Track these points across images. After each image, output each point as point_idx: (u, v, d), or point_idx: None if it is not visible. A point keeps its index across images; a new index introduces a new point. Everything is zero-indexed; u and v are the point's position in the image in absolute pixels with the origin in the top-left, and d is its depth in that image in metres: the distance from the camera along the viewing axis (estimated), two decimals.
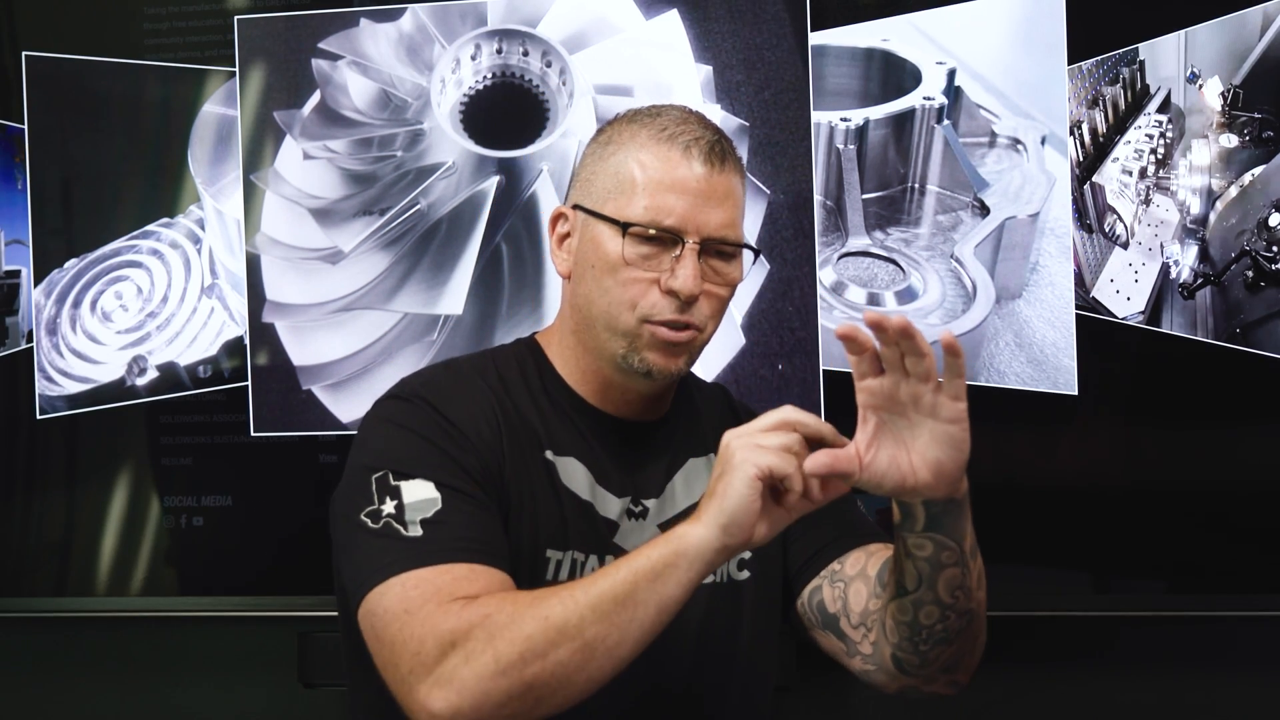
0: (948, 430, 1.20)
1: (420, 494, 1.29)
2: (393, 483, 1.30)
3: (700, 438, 1.50)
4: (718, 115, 2.11)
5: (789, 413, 1.21)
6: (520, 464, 1.38)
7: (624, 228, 1.37)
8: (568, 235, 1.44)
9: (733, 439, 1.21)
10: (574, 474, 1.41)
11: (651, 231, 1.36)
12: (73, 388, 2.30)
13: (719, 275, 1.39)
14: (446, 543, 1.26)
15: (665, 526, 1.42)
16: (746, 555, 1.46)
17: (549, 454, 1.41)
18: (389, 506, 1.29)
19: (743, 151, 2.10)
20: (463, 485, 1.31)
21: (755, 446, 1.19)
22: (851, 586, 1.43)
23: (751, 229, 2.09)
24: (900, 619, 1.35)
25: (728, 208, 1.39)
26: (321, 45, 2.23)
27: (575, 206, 1.43)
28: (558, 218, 1.45)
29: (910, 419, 1.21)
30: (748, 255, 1.42)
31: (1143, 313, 2.00)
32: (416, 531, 1.27)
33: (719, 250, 1.39)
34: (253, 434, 2.25)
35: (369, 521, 1.29)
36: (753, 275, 2.09)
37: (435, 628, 1.20)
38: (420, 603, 1.22)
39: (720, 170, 1.38)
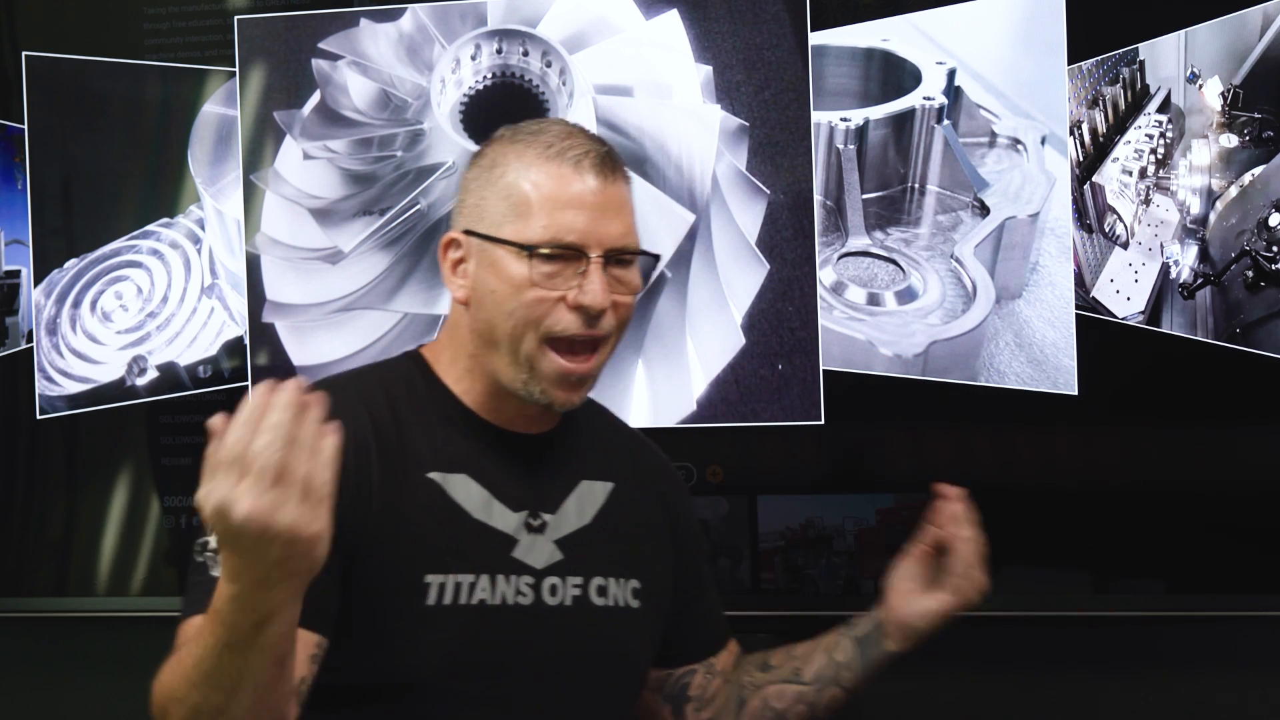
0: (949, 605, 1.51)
1: None
2: None
3: (591, 459, 1.52)
4: (718, 115, 2.11)
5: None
6: (396, 490, 1.38)
7: (529, 250, 1.37)
8: (461, 261, 1.44)
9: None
10: (465, 491, 1.41)
11: (555, 250, 1.37)
12: (73, 388, 2.30)
13: (622, 284, 1.42)
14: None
15: (562, 543, 1.45)
16: (638, 586, 1.50)
17: (434, 475, 1.41)
18: (214, 540, 1.32)
19: (743, 151, 2.10)
20: None
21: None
22: (720, 684, 1.60)
23: (751, 229, 2.09)
24: (775, 705, 1.56)
25: (624, 217, 1.41)
26: (321, 45, 2.23)
27: (467, 232, 1.43)
28: (449, 244, 1.45)
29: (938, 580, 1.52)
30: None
31: (1143, 313, 2.00)
32: (217, 573, 1.29)
33: (619, 259, 1.41)
34: None
35: (196, 552, 1.35)
36: (753, 275, 2.10)
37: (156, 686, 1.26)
38: (172, 654, 1.29)
39: (612, 181, 1.41)
